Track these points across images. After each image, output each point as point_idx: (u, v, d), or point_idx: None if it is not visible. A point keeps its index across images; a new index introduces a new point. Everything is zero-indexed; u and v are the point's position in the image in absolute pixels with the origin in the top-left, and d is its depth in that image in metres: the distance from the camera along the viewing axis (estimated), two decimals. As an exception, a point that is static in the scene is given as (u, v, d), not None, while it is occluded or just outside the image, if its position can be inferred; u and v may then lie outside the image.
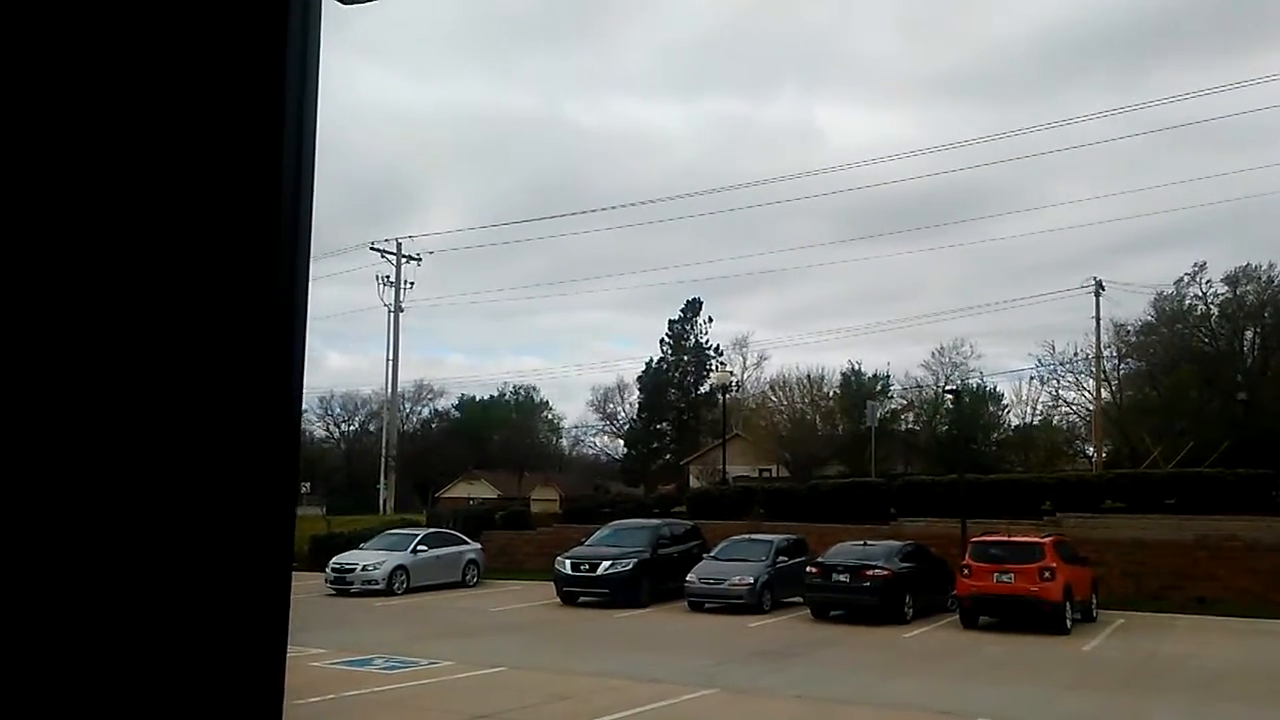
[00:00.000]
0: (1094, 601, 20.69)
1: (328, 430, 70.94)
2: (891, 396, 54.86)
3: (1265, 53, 65.84)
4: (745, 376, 62.75)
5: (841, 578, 20.25)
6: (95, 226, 0.98)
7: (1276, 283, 43.87)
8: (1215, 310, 45.14)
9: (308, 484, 47.94)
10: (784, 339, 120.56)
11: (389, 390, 50.28)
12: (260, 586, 1.01)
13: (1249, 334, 44.44)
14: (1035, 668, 14.88)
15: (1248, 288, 44.27)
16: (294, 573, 1.13)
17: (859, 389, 53.59)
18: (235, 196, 1.03)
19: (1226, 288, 44.58)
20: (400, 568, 24.97)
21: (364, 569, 24.44)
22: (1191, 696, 12.65)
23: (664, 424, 65.33)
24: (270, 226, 1.04)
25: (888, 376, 55.76)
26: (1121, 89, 71.32)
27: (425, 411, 73.49)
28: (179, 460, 0.98)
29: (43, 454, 0.95)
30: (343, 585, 24.25)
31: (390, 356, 49.00)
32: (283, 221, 1.05)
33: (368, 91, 79.56)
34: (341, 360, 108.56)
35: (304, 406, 1.18)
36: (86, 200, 0.99)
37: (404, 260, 48.65)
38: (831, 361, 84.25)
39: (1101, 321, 45.56)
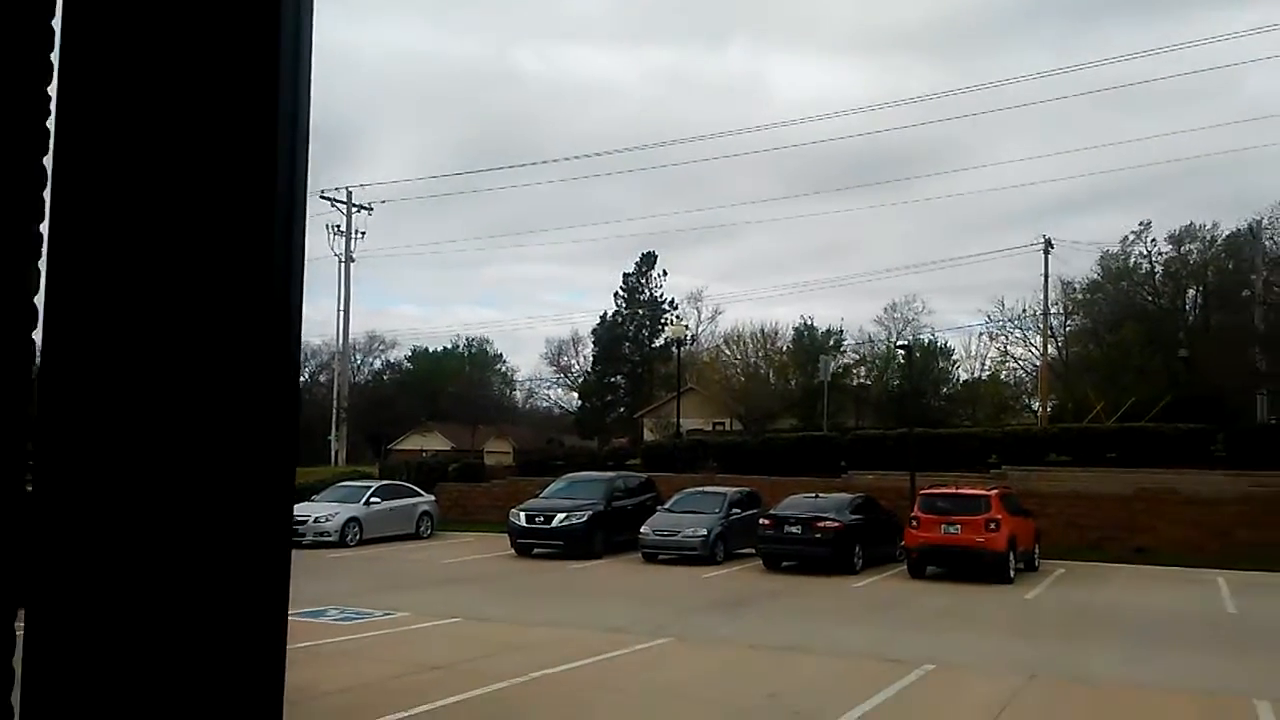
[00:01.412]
0: (1037, 552, 21.25)
1: (278, 382, 69.96)
2: (844, 351, 55.46)
3: (1209, 14, 66.67)
4: (699, 330, 62.97)
5: (793, 530, 20.54)
6: (99, 186, 0.99)
7: (1219, 242, 44.86)
8: (1159, 269, 46.10)
9: (257, 436, 47.14)
10: (738, 293, 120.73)
11: (340, 341, 49.66)
12: (262, 559, 1.05)
13: (1191, 292, 45.49)
14: (979, 616, 15.27)
15: (1191, 247, 45.24)
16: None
17: (812, 344, 54.07)
18: (234, 161, 1.03)
19: (1170, 246, 45.51)
20: (353, 520, 24.86)
21: (316, 521, 24.29)
22: (1127, 642, 13.08)
23: (618, 377, 65.41)
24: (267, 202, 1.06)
25: (840, 331, 56.35)
26: (1070, 48, 71.88)
27: (377, 363, 72.76)
28: (187, 431, 0.99)
29: (47, 425, 0.98)
30: (294, 537, 24.00)
31: (341, 307, 48.34)
32: (279, 190, 1.07)
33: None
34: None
35: None
36: (86, 162, 1.00)
37: (354, 209, 47.83)
38: (785, 316, 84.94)
39: (1050, 278, 46.28)
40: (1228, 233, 44.22)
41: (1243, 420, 33.21)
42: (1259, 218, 40.04)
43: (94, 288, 0.98)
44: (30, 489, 1.02)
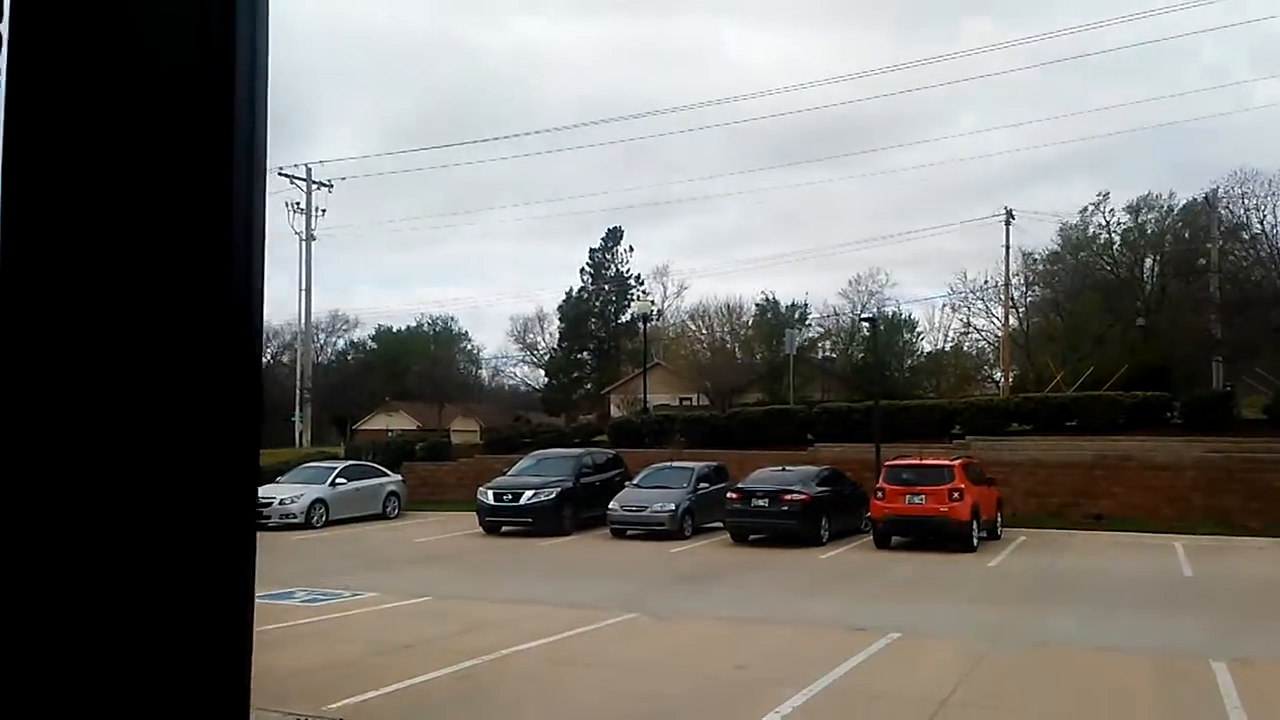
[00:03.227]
0: (999, 520, 21.57)
1: (240, 363, 69.10)
2: (809, 325, 55.80)
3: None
4: (665, 305, 62.96)
5: (761, 503, 20.69)
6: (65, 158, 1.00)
7: (1175, 212, 45.48)
8: (1117, 239, 46.70)
9: (220, 418, 46.68)
10: (703, 268, 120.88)
11: (303, 321, 49.18)
12: (225, 543, 1.05)
13: (1149, 262, 46.11)
14: (943, 584, 15.50)
15: (1148, 216, 45.85)
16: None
17: (776, 318, 54.33)
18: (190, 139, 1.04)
19: (1128, 216, 46.11)
20: (319, 501, 24.70)
21: (281, 502, 24.09)
22: (1087, 607, 13.35)
23: (585, 353, 65.32)
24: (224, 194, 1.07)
25: (805, 305, 56.67)
26: (1022, 19, 72.19)
27: (340, 343, 72.14)
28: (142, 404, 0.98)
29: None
30: (259, 519, 23.78)
31: (303, 287, 47.84)
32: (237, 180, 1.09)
33: None
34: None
35: None
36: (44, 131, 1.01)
37: (314, 186, 47.24)
38: (750, 290, 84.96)
39: (1011, 250, 46.74)
40: (1184, 202, 44.87)
41: (1198, 387, 33.83)
42: (1215, 186, 40.61)
43: (51, 265, 0.97)
44: None
